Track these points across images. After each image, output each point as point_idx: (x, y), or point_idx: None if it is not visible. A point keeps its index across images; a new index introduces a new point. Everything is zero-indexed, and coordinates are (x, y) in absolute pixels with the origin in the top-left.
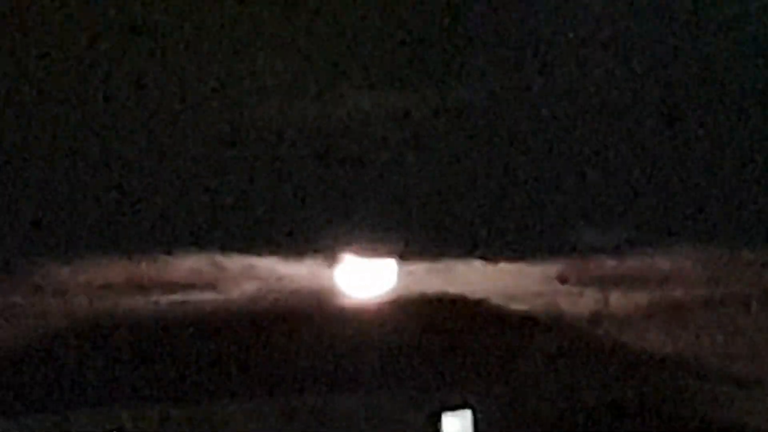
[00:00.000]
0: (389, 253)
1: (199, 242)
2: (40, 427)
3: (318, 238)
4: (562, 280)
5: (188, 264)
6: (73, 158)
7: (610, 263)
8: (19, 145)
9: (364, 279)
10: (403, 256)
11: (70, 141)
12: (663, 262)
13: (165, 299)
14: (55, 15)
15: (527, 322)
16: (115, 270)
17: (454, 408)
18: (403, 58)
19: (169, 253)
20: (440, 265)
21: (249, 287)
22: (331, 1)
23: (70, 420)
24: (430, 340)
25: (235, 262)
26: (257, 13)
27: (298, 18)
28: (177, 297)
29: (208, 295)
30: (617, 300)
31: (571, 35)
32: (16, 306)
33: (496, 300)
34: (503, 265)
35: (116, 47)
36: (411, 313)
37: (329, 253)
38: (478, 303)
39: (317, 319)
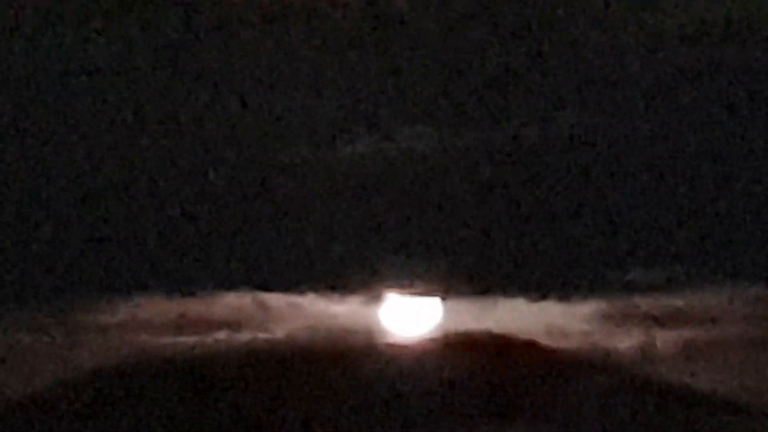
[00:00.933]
0: (433, 292)
1: (243, 281)
2: None
3: (362, 277)
4: (607, 318)
5: (232, 302)
6: (119, 197)
7: (655, 302)
8: (64, 184)
9: (409, 317)
10: (447, 295)
11: (115, 180)
12: (708, 301)
13: (209, 338)
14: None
15: (574, 360)
16: (159, 308)
17: None
18: (448, 96)
19: (213, 291)
20: (484, 303)
21: (293, 325)
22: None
23: None
24: (474, 379)
25: (279, 301)
26: (308, 51)
27: (346, 56)
28: (221, 335)
29: (251, 334)
30: (663, 338)
31: (627, 74)
32: (62, 344)
33: (540, 338)
34: (547, 304)
35: (157, 86)
36: (456, 351)
37: (373, 291)
38: (524, 341)
39: (361, 357)
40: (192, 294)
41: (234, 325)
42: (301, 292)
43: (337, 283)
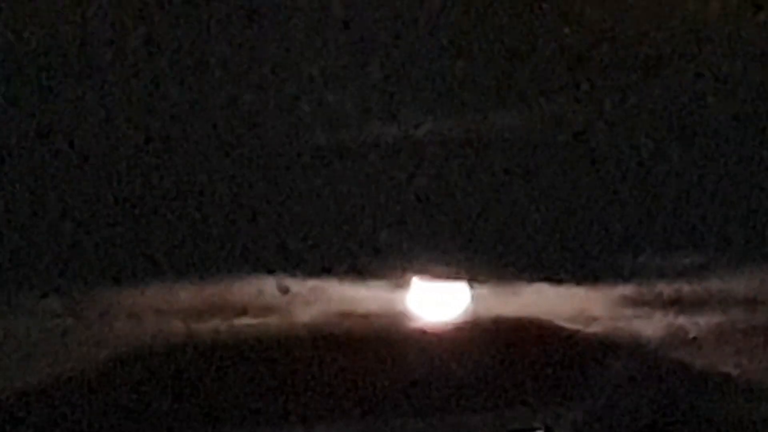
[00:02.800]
0: (458, 276)
1: (266, 265)
2: None
3: (386, 261)
4: (633, 302)
5: (255, 287)
6: (140, 179)
7: (681, 286)
8: (83, 166)
9: (433, 302)
10: (471, 279)
11: (135, 163)
12: (736, 285)
13: (231, 323)
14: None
15: (600, 345)
16: (180, 294)
17: (526, 430)
18: (473, 81)
19: (235, 276)
20: (508, 289)
21: (316, 311)
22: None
23: None
24: (502, 364)
25: (302, 286)
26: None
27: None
28: (243, 321)
29: (274, 319)
30: (690, 322)
31: (641, 55)
32: (82, 331)
33: (566, 323)
34: (570, 289)
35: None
36: (483, 337)
37: (397, 276)
38: (550, 326)
39: (386, 343)
40: (214, 279)
41: (257, 310)
42: (325, 277)
43: (361, 267)
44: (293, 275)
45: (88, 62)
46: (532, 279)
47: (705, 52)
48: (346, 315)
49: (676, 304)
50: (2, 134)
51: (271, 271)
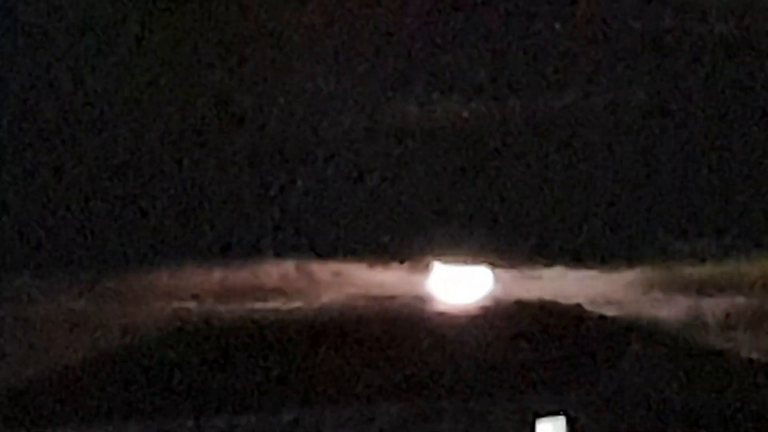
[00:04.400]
0: (479, 260)
1: (287, 248)
2: None
3: (408, 245)
4: (652, 286)
5: (275, 270)
6: (160, 162)
7: (701, 270)
8: (102, 151)
9: (455, 286)
10: (492, 263)
11: (156, 144)
12: (756, 269)
13: (252, 306)
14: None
15: (621, 328)
16: (201, 277)
17: (548, 414)
18: (492, 64)
19: (256, 259)
20: (528, 272)
21: (337, 294)
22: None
23: (158, 428)
24: (524, 347)
25: (323, 269)
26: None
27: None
28: (264, 304)
29: (295, 302)
30: (710, 306)
31: (656, 43)
32: (102, 313)
33: (585, 306)
34: (591, 273)
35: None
36: (502, 320)
37: (419, 259)
38: (572, 309)
39: (408, 326)
40: (234, 262)
41: (277, 293)
42: (346, 260)
43: (382, 251)
44: (314, 258)
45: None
46: (552, 263)
47: None
48: (367, 299)
49: (696, 288)
50: (19, 125)
51: (293, 255)
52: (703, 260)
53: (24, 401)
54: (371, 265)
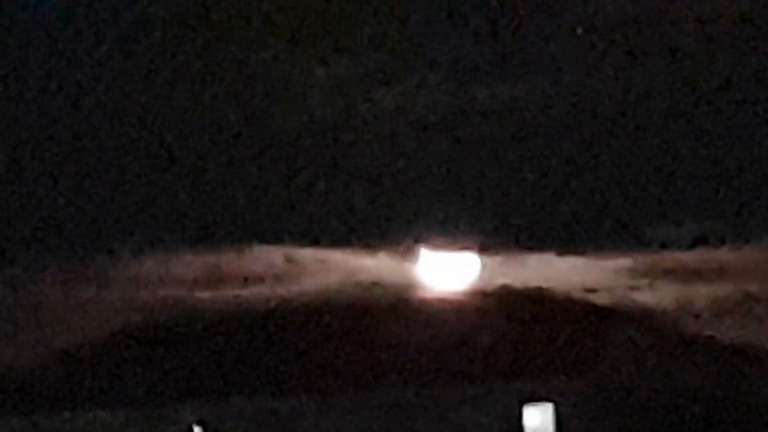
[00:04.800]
0: (466, 247)
1: (274, 235)
2: (118, 419)
3: (394, 232)
4: (640, 273)
5: (262, 257)
6: (147, 150)
7: (689, 257)
8: (97, 141)
9: (441, 272)
10: (478, 250)
11: (144, 132)
12: (744, 256)
13: (239, 292)
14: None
15: (606, 315)
16: (189, 264)
17: (535, 401)
18: (482, 52)
19: (243, 246)
20: (515, 259)
21: (324, 281)
22: None
23: (150, 413)
24: (511, 334)
25: (309, 255)
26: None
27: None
28: (251, 290)
29: (281, 289)
30: (697, 293)
31: (653, 35)
32: (93, 299)
33: (574, 293)
34: (577, 259)
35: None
36: (489, 306)
37: (404, 246)
38: (559, 296)
39: (394, 312)
40: (221, 249)
41: (264, 280)
42: (332, 247)
43: (368, 237)
44: (301, 245)
45: None
46: (539, 250)
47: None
48: (353, 285)
49: (684, 275)
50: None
51: (278, 242)
52: (690, 248)
53: (12, 387)
54: (357, 251)
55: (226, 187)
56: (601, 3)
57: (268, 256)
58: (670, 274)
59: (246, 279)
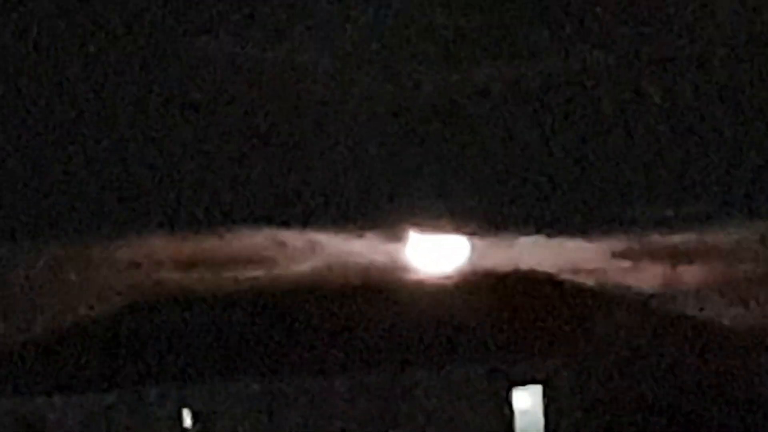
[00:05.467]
0: (453, 229)
1: (261, 218)
2: (108, 403)
3: (382, 214)
4: (627, 254)
5: (250, 239)
6: (136, 135)
7: (674, 238)
8: (81, 122)
9: (429, 254)
10: (467, 232)
11: (133, 118)
12: (729, 237)
13: (226, 275)
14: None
15: (595, 297)
16: (176, 245)
17: (524, 383)
18: (475, 34)
19: (230, 229)
20: (504, 241)
21: (311, 263)
22: None
23: (137, 396)
24: (498, 315)
25: (297, 238)
26: None
27: None
28: (238, 273)
29: (269, 271)
30: (683, 274)
31: (646, 17)
32: (80, 282)
33: (561, 275)
34: (566, 241)
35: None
36: (477, 288)
37: (392, 229)
38: (548, 278)
39: (382, 295)
40: (209, 231)
41: (251, 262)
42: (320, 229)
43: (356, 219)
44: (289, 227)
45: None
46: (527, 231)
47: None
48: (342, 267)
49: (671, 255)
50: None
51: (266, 224)
52: (676, 228)
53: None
54: (345, 234)
55: (212, 170)
56: None
57: (258, 240)
58: (657, 254)
59: (235, 262)
